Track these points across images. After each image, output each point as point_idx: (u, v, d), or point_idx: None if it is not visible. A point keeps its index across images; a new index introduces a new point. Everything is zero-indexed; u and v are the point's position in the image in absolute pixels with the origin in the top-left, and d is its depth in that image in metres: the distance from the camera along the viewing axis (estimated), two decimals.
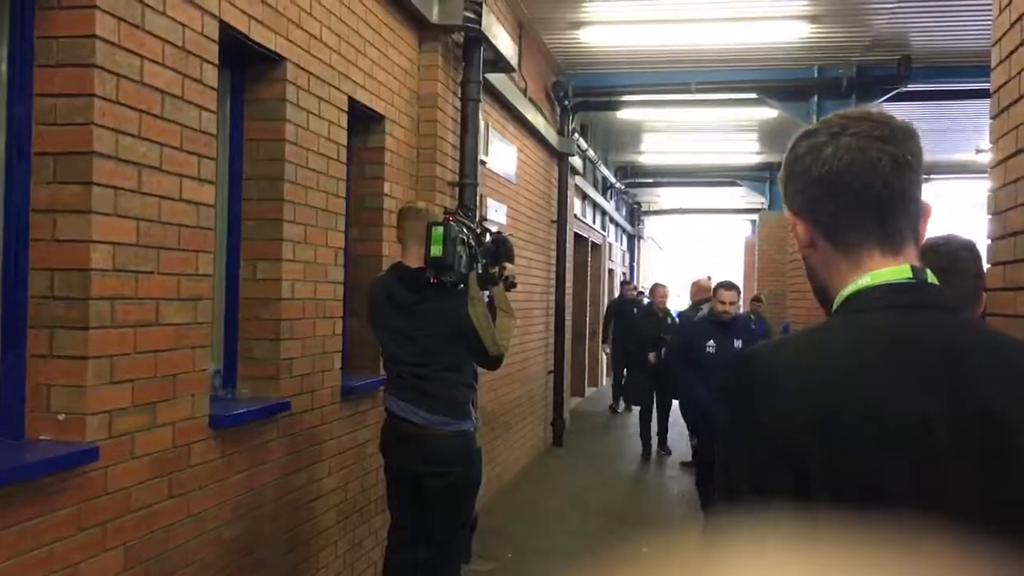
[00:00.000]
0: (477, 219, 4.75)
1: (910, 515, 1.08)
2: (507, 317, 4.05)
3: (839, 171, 1.20)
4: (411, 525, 4.08)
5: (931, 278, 1.23)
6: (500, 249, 4.20)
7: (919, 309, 1.20)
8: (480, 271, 3.98)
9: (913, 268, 1.22)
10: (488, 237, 4.21)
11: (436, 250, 3.77)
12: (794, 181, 1.26)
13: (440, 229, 3.78)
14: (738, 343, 6.24)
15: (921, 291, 1.22)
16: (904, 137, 1.22)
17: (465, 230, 3.93)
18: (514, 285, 4.24)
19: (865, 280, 1.22)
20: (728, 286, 6.56)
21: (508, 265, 4.19)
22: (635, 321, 11.53)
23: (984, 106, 3.37)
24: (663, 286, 11.18)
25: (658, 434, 10.63)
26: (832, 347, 1.19)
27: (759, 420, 1.14)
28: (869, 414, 1.11)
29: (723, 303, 6.41)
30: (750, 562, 0.87)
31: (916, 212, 1.25)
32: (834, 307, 1.26)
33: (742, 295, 22.63)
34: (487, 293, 4.09)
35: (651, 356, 10.20)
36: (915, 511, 1.08)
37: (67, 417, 2.69)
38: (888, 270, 1.22)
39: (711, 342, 6.35)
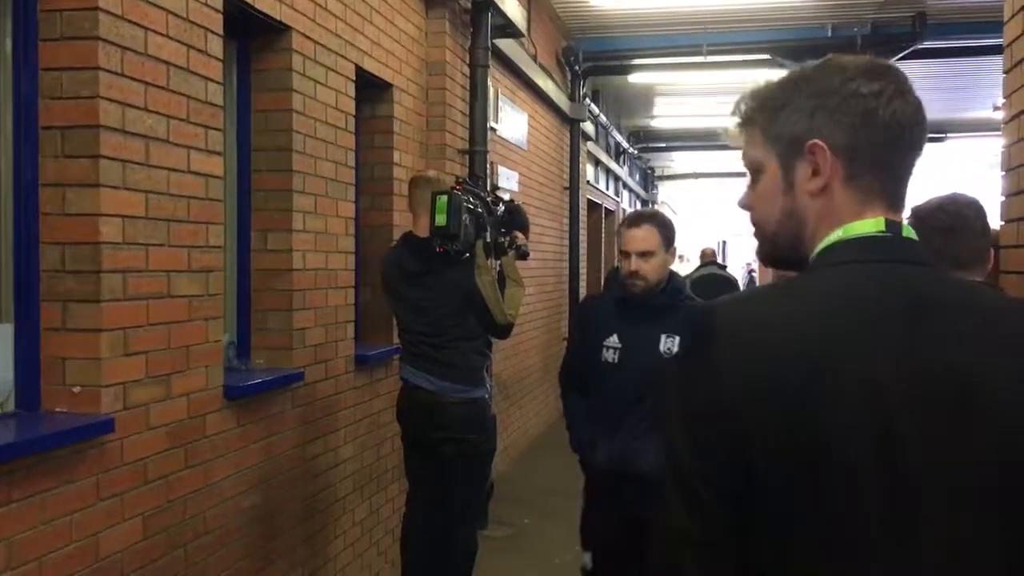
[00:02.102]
0: (488, 187, 4.72)
1: (862, 475, 1.07)
2: (516, 287, 4.04)
3: (903, 126, 1.18)
4: (427, 492, 4.11)
5: (908, 232, 1.20)
6: (513, 218, 4.18)
7: (888, 263, 1.17)
8: (488, 240, 3.95)
9: (888, 221, 1.19)
10: (501, 206, 4.19)
11: (440, 219, 3.75)
12: (843, 115, 1.18)
13: (444, 198, 3.76)
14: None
15: (894, 244, 1.19)
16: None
17: (472, 199, 3.91)
18: (526, 254, 4.22)
19: (838, 234, 1.19)
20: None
21: (520, 235, 4.17)
22: None
23: (1001, 62, 3.32)
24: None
25: None
26: (791, 303, 1.15)
27: (705, 377, 1.11)
28: (816, 373, 1.07)
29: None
30: None
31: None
32: (810, 262, 1.22)
33: (758, 259, 21.49)
34: (497, 262, 4.08)
35: None
36: (867, 472, 1.06)
37: (82, 389, 2.71)
38: (861, 223, 1.19)
39: None
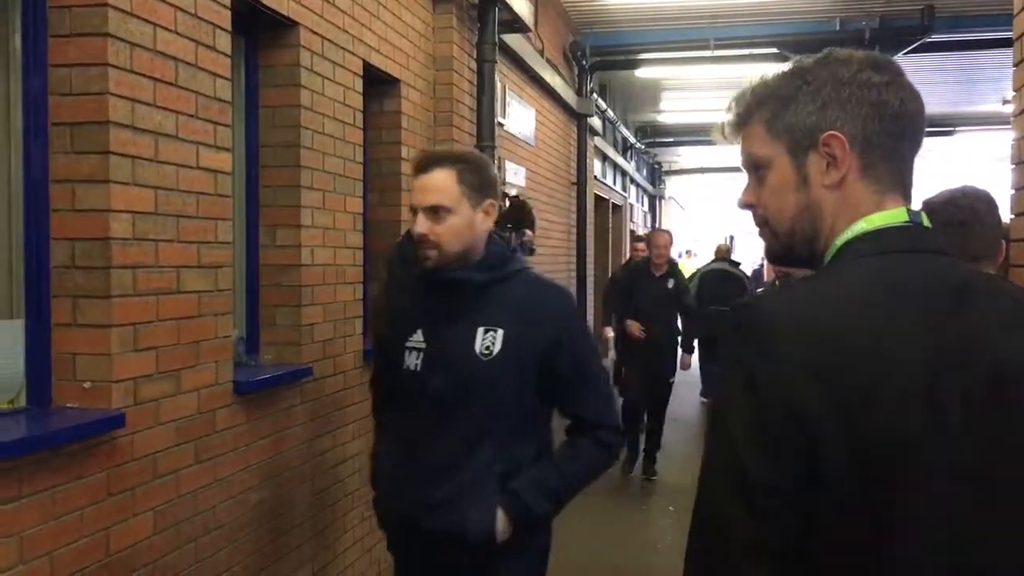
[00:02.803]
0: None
1: (919, 463, 1.08)
2: None
3: (913, 115, 1.20)
4: None
5: (926, 222, 1.20)
6: (518, 214, 4.18)
7: (920, 253, 1.17)
8: None
9: (909, 211, 1.20)
10: (507, 201, 4.19)
11: None
12: (852, 106, 1.18)
13: None
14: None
15: (920, 234, 1.19)
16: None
17: None
18: (532, 250, 4.21)
19: (861, 225, 1.18)
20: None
21: (526, 231, 4.16)
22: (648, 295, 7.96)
23: (1010, 55, 3.31)
24: (663, 233, 8.03)
25: (645, 449, 7.89)
26: (837, 295, 1.14)
27: (767, 377, 1.09)
28: (877, 363, 1.07)
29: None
30: None
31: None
32: (827, 255, 1.22)
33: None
34: None
35: (634, 328, 7.55)
36: (925, 460, 1.07)
37: (93, 385, 2.72)
38: (884, 214, 1.19)
39: None
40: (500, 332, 2.41)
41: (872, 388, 1.07)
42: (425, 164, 2.45)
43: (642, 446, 7.88)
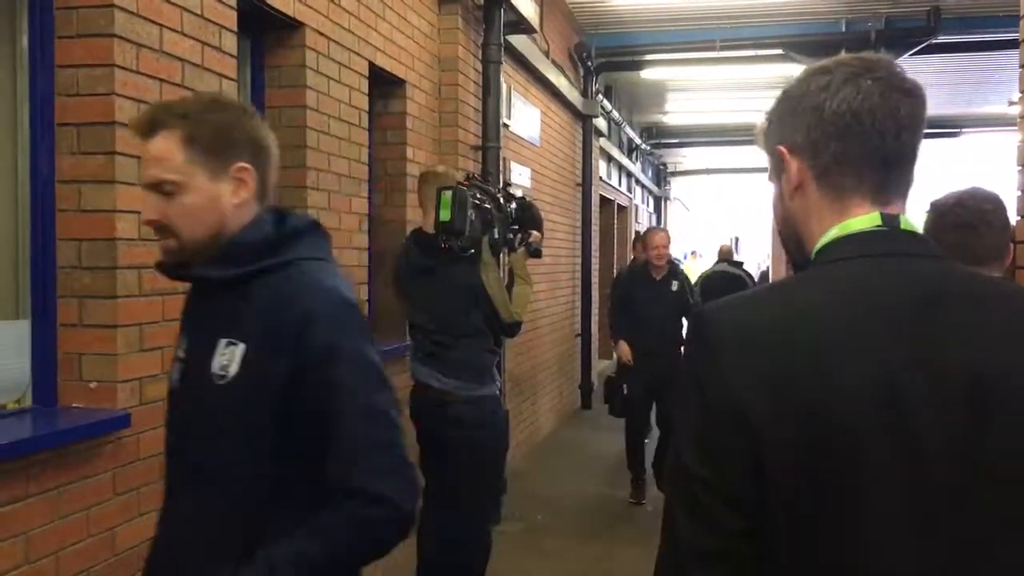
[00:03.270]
0: (501, 184, 4.67)
1: (879, 470, 1.05)
2: (523, 284, 4.01)
3: (857, 112, 1.15)
4: (440, 490, 4.10)
5: (906, 225, 1.18)
6: (524, 215, 4.16)
7: (891, 257, 1.15)
8: (496, 237, 3.93)
9: (883, 215, 1.17)
10: (513, 203, 4.17)
11: (444, 214, 3.72)
12: (799, 117, 1.20)
13: (449, 193, 3.73)
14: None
15: (893, 238, 1.17)
16: (921, 94, 1.18)
17: (480, 195, 3.89)
18: (538, 252, 4.17)
19: (834, 231, 1.18)
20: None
21: (533, 232, 4.15)
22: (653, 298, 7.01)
23: (1016, 56, 3.30)
24: (660, 231, 7.20)
25: (653, 466, 6.91)
26: (794, 302, 1.14)
27: (712, 380, 1.09)
28: (827, 368, 1.06)
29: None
30: None
31: (912, 169, 1.20)
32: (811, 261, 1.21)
33: (771, 255, 21.38)
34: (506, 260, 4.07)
35: (623, 352, 6.87)
36: (884, 468, 1.05)
37: (99, 385, 2.73)
38: (857, 219, 1.17)
39: None
40: (240, 348, 1.70)
41: (817, 392, 1.05)
42: (145, 125, 1.73)
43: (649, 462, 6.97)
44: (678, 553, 1.11)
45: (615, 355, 7.35)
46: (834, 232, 1.18)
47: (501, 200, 4.07)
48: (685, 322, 6.81)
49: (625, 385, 7.01)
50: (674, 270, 7.02)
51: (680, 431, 1.13)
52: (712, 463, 1.08)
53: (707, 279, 10.60)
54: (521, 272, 4.03)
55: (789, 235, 1.26)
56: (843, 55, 1.23)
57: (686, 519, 1.09)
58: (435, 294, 3.91)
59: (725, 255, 11.75)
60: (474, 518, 4.06)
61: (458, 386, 3.89)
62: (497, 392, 4.04)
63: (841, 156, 1.17)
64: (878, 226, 1.16)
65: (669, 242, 6.92)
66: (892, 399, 1.05)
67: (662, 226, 7.66)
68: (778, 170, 1.25)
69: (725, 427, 1.07)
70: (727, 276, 10.65)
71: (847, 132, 1.16)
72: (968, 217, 2.26)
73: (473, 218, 3.79)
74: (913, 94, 1.17)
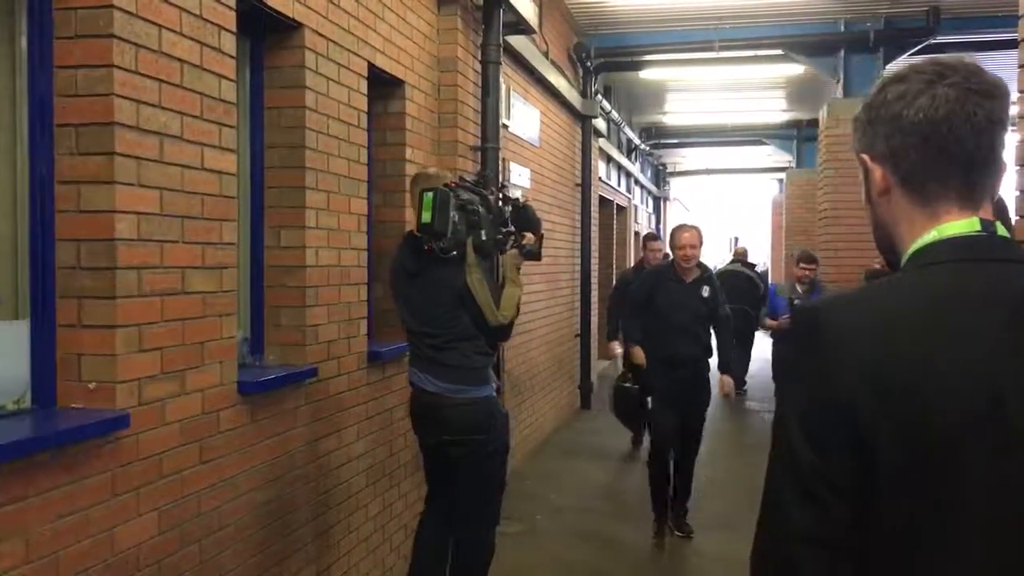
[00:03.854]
0: (499, 185, 4.59)
1: (975, 468, 1.07)
2: (512, 286, 3.92)
3: (934, 121, 1.18)
4: (441, 494, 4.09)
5: (1001, 231, 1.20)
6: (520, 216, 4.11)
7: (991, 262, 1.17)
8: (484, 238, 3.86)
9: (982, 221, 1.20)
10: (508, 204, 4.12)
11: (426, 216, 3.70)
12: (879, 125, 1.23)
13: (430, 195, 3.70)
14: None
15: (991, 244, 1.19)
16: (999, 93, 1.20)
17: (467, 196, 3.84)
18: (533, 254, 4.09)
19: (932, 235, 1.20)
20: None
21: (528, 234, 4.08)
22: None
23: (1015, 56, 3.30)
24: (688, 228, 6.09)
25: (674, 497, 6.20)
26: (899, 306, 1.16)
27: (819, 376, 1.13)
28: (930, 367, 1.09)
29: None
30: None
31: (998, 171, 1.23)
32: (903, 263, 1.23)
33: (770, 255, 21.71)
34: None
35: (638, 356, 6.22)
36: (979, 466, 1.07)
37: (98, 385, 2.73)
38: (956, 223, 1.20)
39: None
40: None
41: (921, 393, 1.09)
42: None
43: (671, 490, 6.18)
44: (786, 534, 1.13)
45: (619, 360, 7.17)
46: (931, 235, 1.20)
47: (493, 201, 4.02)
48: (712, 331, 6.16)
49: (649, 399, 6.35)
50: (706, 274, 6.09)
51: (787, 416, 1.16)
52: (820, 451, 1.11)
53: (721, 277, 10.81)
54: (511, 274, 3.96)
55: (882, 237, 1.31)
56: (918, 60, 1.24)
57: (795, 502, 1.12)
58: (424, 296, 3.89)
59: (740, 256, 12.54)
60: (477, 522, 4.04)
61: (451, 389, 3.86)
62: (493, 394, 4.00)
63: (922, 164, 1.21)
64: (977, 231, 1.19)
65: (700, 242, 5.96)
66: (995, 401, 1.08)
67: (692, 224, 6.19)
68: (864, 175, 1.29)
69: (831, 421, 1.11)
70: (741, 275, 11.13)
71: (926, 141, 1.19)
72: None
73: (456, 220, 3.74)
74: (991, 95, 1.18)
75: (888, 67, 9.43)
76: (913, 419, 1.08)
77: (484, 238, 3.86)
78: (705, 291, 5.99)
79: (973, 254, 1.18)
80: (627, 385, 7.19)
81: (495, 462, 4.02)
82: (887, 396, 1.09)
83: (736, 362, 7.21)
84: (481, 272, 3.83)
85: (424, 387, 3.92)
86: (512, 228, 4.06)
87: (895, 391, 1.09)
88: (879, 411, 1.09)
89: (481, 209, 3.87)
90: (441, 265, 3.79)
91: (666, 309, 5.95)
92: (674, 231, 6.08)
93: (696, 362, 5.98)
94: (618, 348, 7.49)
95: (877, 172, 1.25)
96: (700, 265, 6.01)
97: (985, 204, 1.21)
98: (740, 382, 11.50)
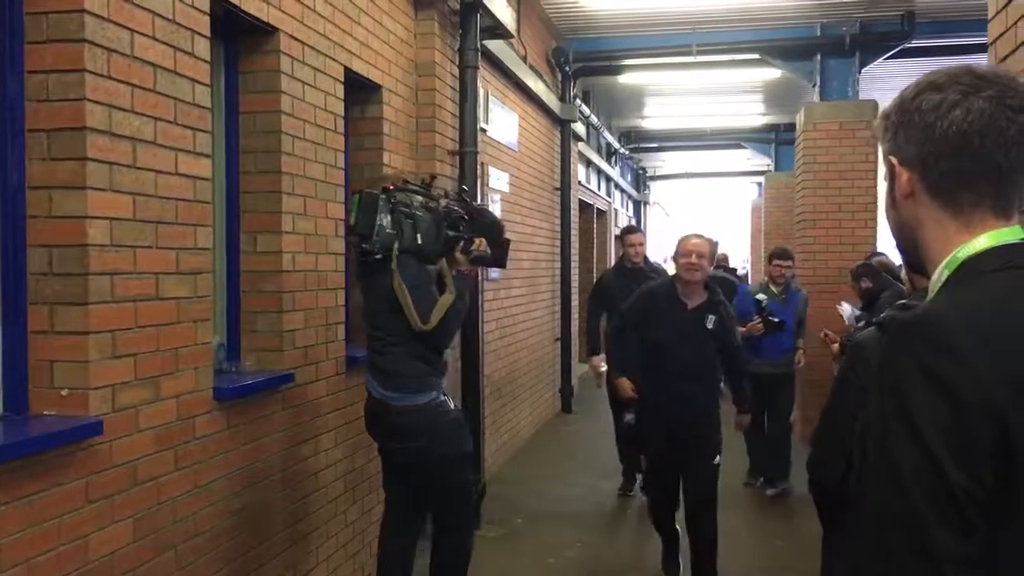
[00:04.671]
0: (459, 188, 4.37)
1: None
2: (446, 293, 3.83)
3: (966, 134, 1.19)
4: (394, 501, 4.07)
5: None
6: (475, 221, 4.00)
7: None
8: (420, 242, 3.77)
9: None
10: (461, 209, 4.02)
11: (352, 219, 3.70)
12: (910, 131, 1.24)
13: (356, 197, 3.70)
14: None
15: None
16: None
17: (404, 198, 3.78)
18: (482, 259, 3.97)
19: (982, 241, 1.21)
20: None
21: (479, 240, 3.95)
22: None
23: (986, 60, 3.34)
24: (693, 236, 4.95)
25: (693, 564, 5.04)
26: (998, 303, 1.14)
27: (963, 381, 1.07)
28: None
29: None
30: None
31: None
32: (946, 270, 1.23)
33: (750, 258, 21.93)
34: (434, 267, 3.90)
35: (625, 388, 5.28)
36: None
37: (70, 392, 2.71)
38: (1006, 231, 1.21)
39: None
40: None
41: None
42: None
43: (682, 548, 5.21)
44: (927, 556, 1.06)
45: (602, 379, 6.26)
46: (982, 242, 1.21)
47: (443, 205, 3.93)
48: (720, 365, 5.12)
49: (647, 445, 5.27)
50: (714, 299, 4.93)
51: (919, 429, 1.08)
52: (966, 466, 1.06)
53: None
54: (447, 279, 3.88)
55: (904, 238, 1.31)
56: (956, 68, 1.24)
57: (937, 521, 1.06)
58: (368, 299, 3.91)
59: (722, 262, 12.91)
60: (448, 526, 4.02)
61: (391, 396, 3.83)
62: (436, 400, 3.86)
63: (952, 174, 1.22)
64: (1023, 239, 1.21)
65: (707, 249, 4.84)
66: None
67: (699, 234, 4.98)
68: (890, 177, 1.30)
69: (979, 433, 1.06)
70: (726, 281, 11.34)
71: (957, 153, 1.21)
72: None
73: (386, 223, 3.69)
74: (1023, 111, 1.19)
75: (864, 70, 9.50)
76: None
77: (420, 242, 3.78)
78: (710, 321, 4.84)
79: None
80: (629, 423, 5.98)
81: (445, 469, 3.90)
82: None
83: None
84: (411, 276, 3.74)
85: (371, 391, 3.91)
86: (462, 233, 3.94)
87: None
88: (1020, 414, 1.05)
89: (419, 213, 3.80)
90: (383, 269, 3.74)
91: (662, 342, 4.85)
92: (681, 239, 4.94)
93: (699, 414, 4.83)
94: (601, 365, 6.80)
95: (904, 176, 1.26)
96: (708, 287, 4.93)
97: (1015, 214, 1.23)
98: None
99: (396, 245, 3.71)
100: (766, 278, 7.51)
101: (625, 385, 5.24)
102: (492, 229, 4.08)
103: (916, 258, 1.30)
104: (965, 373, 1.07)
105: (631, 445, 6.29)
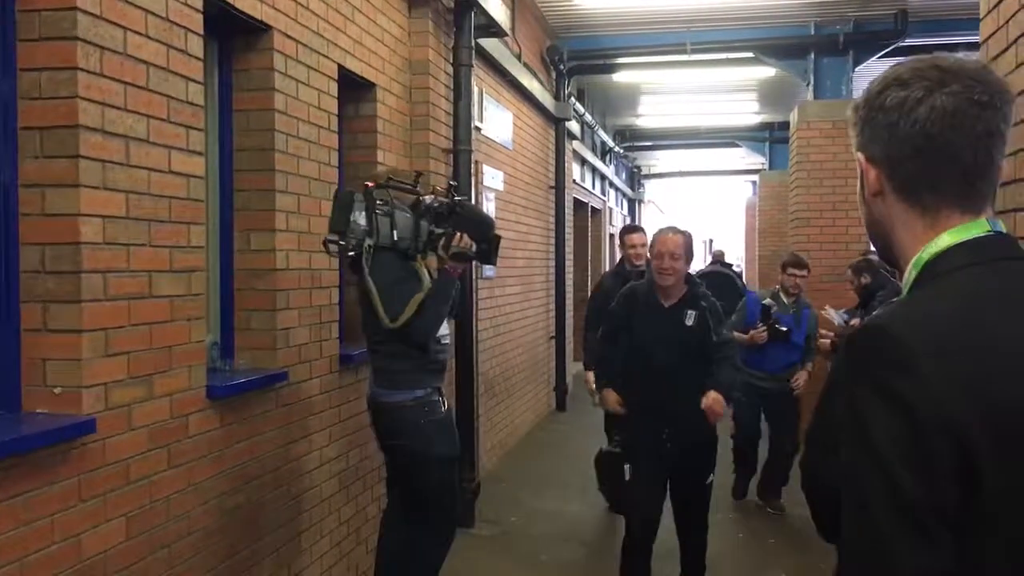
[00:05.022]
0: (448, 185, 4.28)
1: None
2: (418, 292, 3.83)
3: (930, 135, 1.16)
4: (394, 501, 4.13)
5: (1005, 227, 1.21)
6: (458, 218, 3.96)
7: (1013, 260, 1.17)
8: (395, 239, 3.79)
9: (990, 221, 1.20)
10: (446, 204, 4.00)
11: (330, 217, 3.78)
12: (875, 129, 1.22)
13: (333, 195, 3.79)
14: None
15: (1006, 242, 1.19)
16: (1001, 101, 1.18)
17: (383, 195, 3.80)
18: (460, 255, 3.91)
19: (944, 239, 1.18)
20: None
21: (458, 235, 3.92)
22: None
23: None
24: (669, 232, 4.46)
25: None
26: (957, 307, 1.12)
27: (916, 392, 1.05)
28: (1019, 370, 1.06)
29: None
30: None
31: (997, 178, 1.21)
32: (913, 270, 1.21)
33: (744, 256, 22.33)
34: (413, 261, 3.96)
35: (610, 400, 4.61)
36: None
37: (63, 390, 2.71)
38: (967, 226, 1.18)
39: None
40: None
41: (1017, 393, 1.05)
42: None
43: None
44: (898, 575, 1.04)
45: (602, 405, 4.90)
46: (944, 240, 1.18)
47: (429, 202, 3.94)
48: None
49: (628, 467, 4.50)
50: (692, 292, 4.47)
51: (878, 446, 1.06)
52: (928, 481, 1.03)
53: (703, 279, 11.02)
54: (422, 274, 3.92)
55: (876, 235, 1.30)
56: (921, 61, 1.20)
57: (903, 539, 1.04)
58: (358, 297, 3.96)
59: (718, 258, 13.35)
60: (408, 521, 4.04)
61: (378, 393, 3.92)
62: (422, 398, 3.86)
63: (921, 174, 1.20)
64: (988, 231, 1.18)
65: (686, 251, 4.38)
66: None
67: (674, 226, 4.54)
68: (860, 173, 1.28)
69: (938, 447, 1.03)
70: (721, 276, 11.52)
71: (922, 152, 1.18)
72: None
73: (360, 220, 3.72)
74: (991, 105, 1.16)
75: (857, 69, 9.52)
76: (1019, 435, 1.03)
77: (396, 238, 3.80)
78: (690, 317, 4.39)
79: (1000, 253, 1.17)
80: (611, 448, 5.67)
81: (423, 469, 3.90)
82: (993, 413, 1.03)
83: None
84: (385, 273, 3.75)
85: (367, 388, 4.03)
86: (442, 229, 3.94)
87: (991, 398, 1.04)
88: (985, 431, 1.03)
89: (399, 209, 3.82)
90: (360, 267, 3.77)
91: (643, 343, 4.42)
92: (654, 236, 4.51)
93: (689, 412, 4.26)
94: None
95: (871, 174, 1.24)
96: (688, 280, 4.50)
97: (986, 207, 1.20)
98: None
99: (368, 242, 3.72)
100: (776, 287, 6.77)
101: (611, 398, 4.60)
102: (478, 225, 4.05)
103: (890, 255, 1.29)
104: (919, 389, 1.04)
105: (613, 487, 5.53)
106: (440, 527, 4.06)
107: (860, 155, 1.25)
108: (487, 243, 4.08)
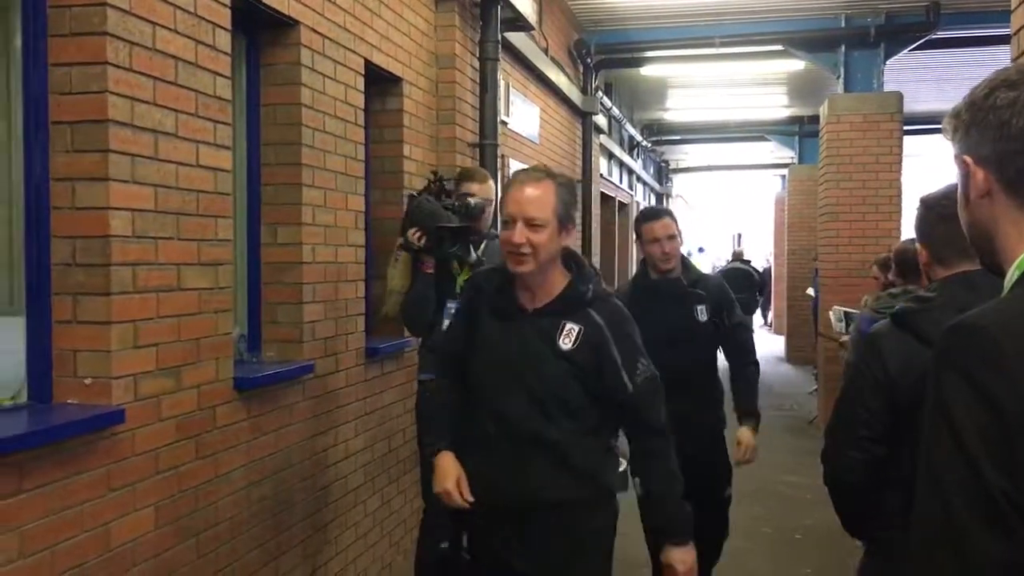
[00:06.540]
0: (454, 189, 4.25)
1: None
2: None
3: None
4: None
5: None
6: (412, 212, 3.99)
7: None
8: (405, 239, 3.95)
9: None
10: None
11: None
12: (984, 130, 1.23)
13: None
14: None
15: None
16: None
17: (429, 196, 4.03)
18: (406, 246, 3.94)
19: None
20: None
21: (411, 231, 3.95)
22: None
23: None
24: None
25: None
26: None
27: (1003, 388, 1.06)
28: None
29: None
30: None
31: None
32: (1016, 271, 1.22)
33: (773, 251, 22.26)
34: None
35: None
36: None
37: (93, 381, 2.75)
38: None
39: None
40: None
41: None
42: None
43: None
44: (976, 562, 1.06)
45: None
46: None
47: (443, 200, 4.05)
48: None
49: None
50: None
51: (964, 436, 1.08)
52: (1010, 474, 1.05)
53: (723, 275, 11.01)
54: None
55: (979, 238, 1.30)
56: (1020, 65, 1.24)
57: (984, 528, 1.05)
58: None
59: (737, 256, 13.40)
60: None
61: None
62: (429, 379, 3.83)
63: None
64: None
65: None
66: None
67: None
68: (964, 176, 1.28)
69: (1022, 438, 1.05)
70: (740, 272, 11.43)
71: None
72: (953, 210, 2.25)
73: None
74: None
75: (888, 61, 9.42)
76: None
77: (404, 237, 3.99)
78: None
79: None
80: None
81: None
82: None
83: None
84: (390, 267, 4.07)
85: None
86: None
87: None
88: None
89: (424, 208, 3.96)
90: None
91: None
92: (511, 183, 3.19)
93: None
94: None
95: (979, 174, 1.25)
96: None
97: None
98: None
99: (401, 240, 4.05)
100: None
101: None
102: (426, 218, 3.90)
103: (990, 259, 1.29)
104: (1008, 384, 1.06)
105: None
106: (425, 521, 4.18)
107: (967, 158, 1.26)
108: (431, 237, 3.86)
